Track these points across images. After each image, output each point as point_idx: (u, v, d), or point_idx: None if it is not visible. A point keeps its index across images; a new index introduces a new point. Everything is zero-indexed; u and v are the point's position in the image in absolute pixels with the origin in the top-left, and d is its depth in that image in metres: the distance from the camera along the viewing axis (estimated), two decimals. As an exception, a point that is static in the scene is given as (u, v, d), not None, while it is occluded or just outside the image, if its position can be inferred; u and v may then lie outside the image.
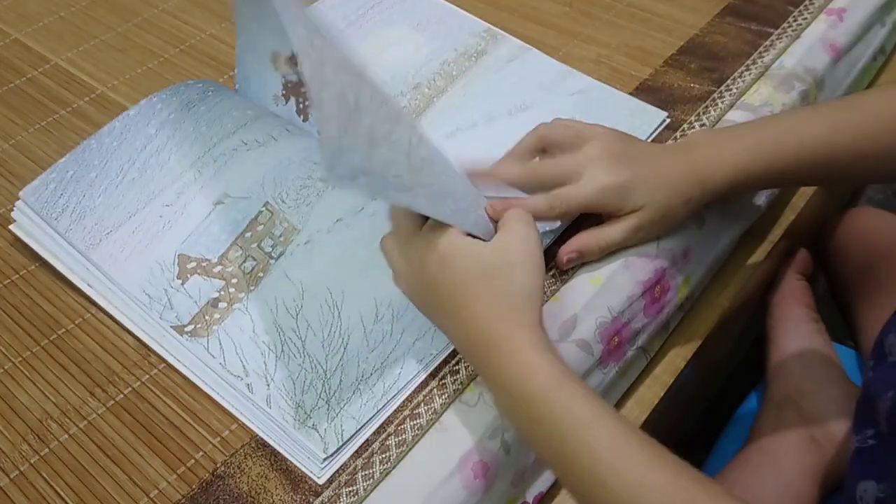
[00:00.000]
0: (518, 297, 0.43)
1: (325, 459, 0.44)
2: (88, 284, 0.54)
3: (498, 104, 0.62)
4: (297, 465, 0.45)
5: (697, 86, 0.67)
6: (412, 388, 0.47)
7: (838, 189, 0.81)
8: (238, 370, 0.48)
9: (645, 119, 0.63)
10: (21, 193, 0.58)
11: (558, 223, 0.54)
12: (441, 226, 0.44)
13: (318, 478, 0.44)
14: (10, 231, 0.59)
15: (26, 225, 0.58)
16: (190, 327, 0.51)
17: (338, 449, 0.45)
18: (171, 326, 0.51)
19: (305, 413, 0.46)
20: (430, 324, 0.48)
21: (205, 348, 0.49)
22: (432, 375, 0.48)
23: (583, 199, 0.50)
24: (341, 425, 0.45)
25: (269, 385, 0.47)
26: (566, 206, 0.50)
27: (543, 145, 0.53)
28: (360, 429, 0.45)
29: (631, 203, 0.50)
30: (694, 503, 0.36)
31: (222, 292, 0.52)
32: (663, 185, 0.51)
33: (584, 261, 0.53)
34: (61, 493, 0.45)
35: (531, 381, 0.40)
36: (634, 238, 0.52)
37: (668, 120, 0.63)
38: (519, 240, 0.44)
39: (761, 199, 0.63)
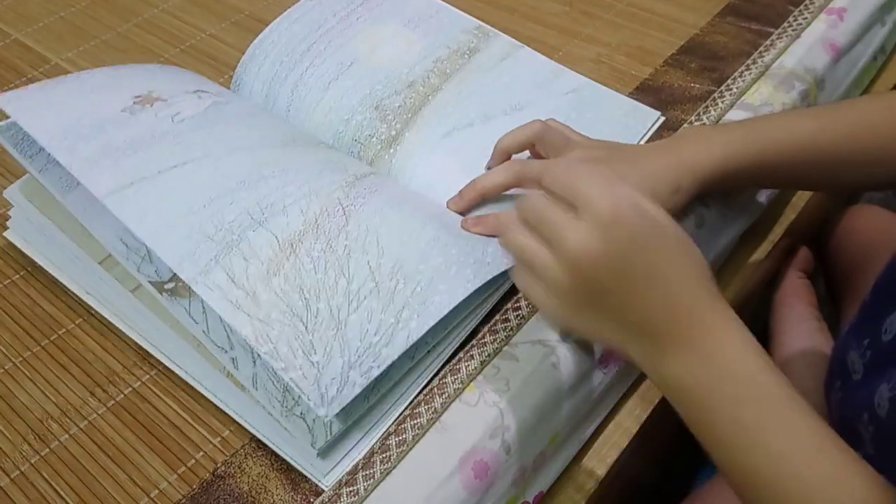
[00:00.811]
0: (705, 270, 0.41)
1: (318, 455, 0.44)
2: (87, 292, 0.54)
3: (494, 103, 0.62)
4: (298, 467, 0.45)
5: (698, 85, 0.67)
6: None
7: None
8: (222, 341, 0.46)
9: (638, 118, 0.63)
10: None
11: None
12: (607, 184, 0.40)
13: (321, 482, 0.44)
14: (7, 238, 0.59)
15: (21, 230, 0.58)
16: (170, 285, 0.47)
17: (327, 443, 0.44)
18: (150, 282, 0.48)
19: (293, 399, 0.44)
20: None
21: (186, 311, 0.47)
22: (432, 376, 0.48)
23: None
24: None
25: (255, 362, 0.45)
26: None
27: (535, 143, 0.54)
28: (350, 426, 0.45)
29: None
30: None
31: None
32: (649, 178, 0.50)
33: None
34: (62, 493, 0.45)
35: (746, 355, 0.39)
36: None
37: (661, 119, 0.63)
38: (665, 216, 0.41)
39: (761, 197, 0.63)
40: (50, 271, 0.55)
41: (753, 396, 0.39)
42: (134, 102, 0.55)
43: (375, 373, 0.43)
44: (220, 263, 0.46)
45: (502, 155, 0.55)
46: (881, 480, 0.37)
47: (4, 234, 0.58)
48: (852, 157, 0.53)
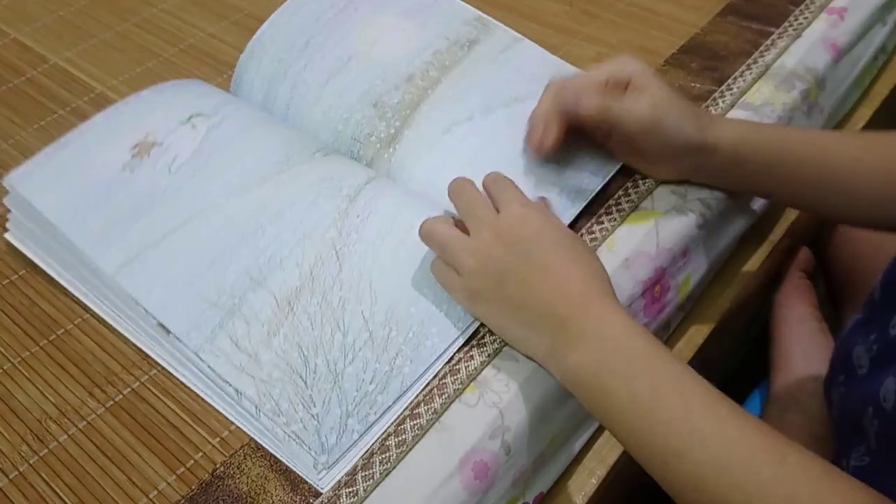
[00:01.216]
0: (601, 269, 0.46)
1: (321, 470, 0.44)
2: (84, 291, 0.54)
3: (494, 96, 0.61)
4: (297, 471, 0.45)
5: (698, 85, 0.67)
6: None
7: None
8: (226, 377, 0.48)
9: None
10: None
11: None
12: (527, 203, 0.47)
13: (319, 485, 0.44)
14: (7, 239, 0.58)
15: (19, 230, 0.57)
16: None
17: (326, 466, 0.44)
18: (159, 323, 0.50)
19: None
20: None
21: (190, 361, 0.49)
22: (432, 375, 0.48)
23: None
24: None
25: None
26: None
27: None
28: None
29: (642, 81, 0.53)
30: (784, 458, 0.37)
31: None
32: (675, 95, 0.54)
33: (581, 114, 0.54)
34: (60, 493, 0.45)
35: (633, 334, 0.42)
36: (646, 117, 0.53)
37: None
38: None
39: (760, 198, 0.63)
40: (49, 272, 0.55)
41: (645, 369, 0.40)
42: (132, 156, 0.58)
43: (372, 419, 0.45)
44: (224, 329, 0.49)
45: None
46: (769, 429, 0.38)
47: (4, 235, 0.58)
48: (860, 178, 0.53)
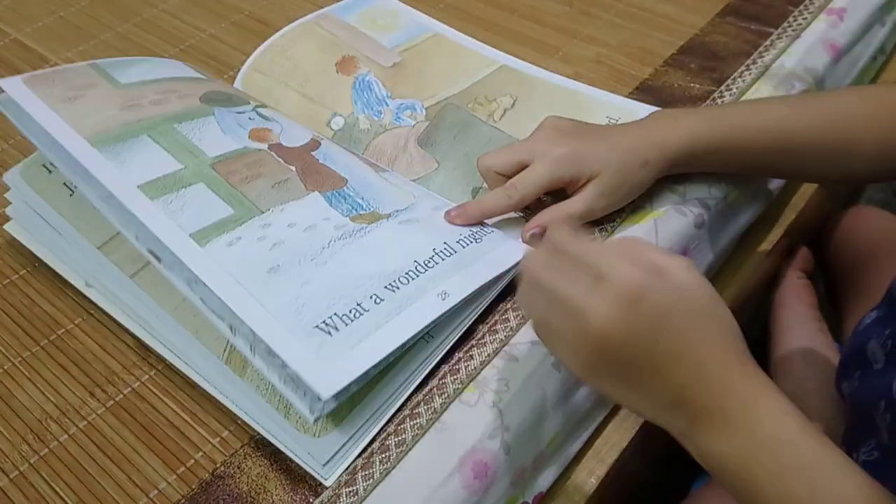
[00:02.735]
0: (734, 334, 0.39)
1: (317, 416, 0.43)
2: (87, 284, 0.54)
3: None
4: (301, 463, 0.45)
5: (698, 85, 0.67)
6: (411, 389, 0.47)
7: (834, 188, 0.81)
8: (220, 309, 0.46)
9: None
10: None
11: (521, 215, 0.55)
12: (636, 259, 0.39)
13: (325, 479, 0.44)
14: (8, 231, 0.58)
15: (19, 216, 0.57)
16: None
17: (324, 414, 0.43)
18: (148, 250, 0.48)
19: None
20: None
21: (185, 281, 0.47)
22: (432, 375, 0.48)
23: (536, 177, 0.51)
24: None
25: (254, 333, 0.44)
26: (522, 191, 0.51)
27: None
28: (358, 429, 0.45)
29: (587, 169, 0.51)
30: None
31: None
32: (616, 150, 0.51)
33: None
34: (61, 493, 0.45)
35: (784, 422, 0.37)
36: (599, 206, 0.52)
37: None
38: (692, 273, 0.39)
39: (760, 198, 0.63)
40: (48, 262, 0.55)
41: (798, 464, 0.36)
42: None
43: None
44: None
45: (494, 179, 0.53)
46: None
47: (5, 226, 0.58)
48: (820, 145, 0.53)
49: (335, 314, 0.45)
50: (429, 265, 0.49)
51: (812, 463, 0.36)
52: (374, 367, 0.44)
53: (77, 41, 0.78)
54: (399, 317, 0.46)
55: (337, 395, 0.42)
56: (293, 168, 0.54)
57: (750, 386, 0.38)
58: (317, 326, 0.44)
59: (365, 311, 0.45)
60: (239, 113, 0.57)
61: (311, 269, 0.47)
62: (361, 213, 0.52)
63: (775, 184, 0.64)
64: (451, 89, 0.66)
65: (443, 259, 0.49)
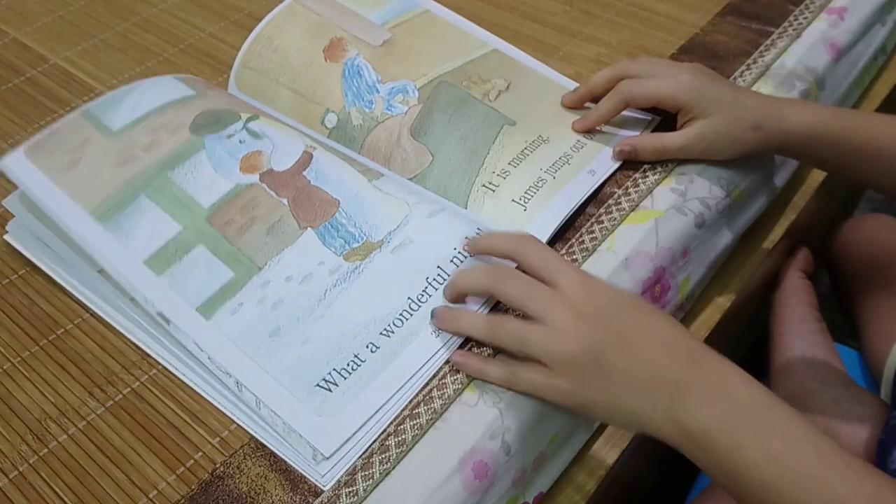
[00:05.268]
0: (674, 322, 0.43)
1: (324, 460, 0.44)
2: (83, 291, 0.54)
3: None
4: (298, 468, 0.45)
5: (698, 85, 0.67)
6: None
7: (841, 190, 0.80)
8: (227, 365, 0.48)
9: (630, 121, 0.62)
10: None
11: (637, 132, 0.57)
12: (573, 267, 0.44)
13: (321, 483, 0.44)
14: (8, 241, 0.58)
15: (19, 231, 0.57)
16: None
17: (325, 458, 0.44)
18: (157, 313, 0.50)
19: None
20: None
21: (192, 339, 0.49)
22: (432, 375, 0.48)
23: (653, 86, 0.53)
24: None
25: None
26: (633, 90, 0.53)
27: (624, 72, 0.57)
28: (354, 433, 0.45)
29: (701, 105, 0.52)
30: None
31: None
32: (738, 104, 0.52)
33: (638, 158, 0.55)
34: (60, 493, 0.45)
35: (754, 385, 0.39)
36: (696, 147, 0.53)
37: (656, 121, 0.62)
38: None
39: (761, 198, 0.63)
40: (49, 273, 0.55)
41: (777, 420, 0.38)
42: None
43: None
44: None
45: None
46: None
47: (4, 237, 0.58)
48: None
49: (334, 370, 0.47)
50: (422, 300, 0.50)
51: (789, 418, 0.38)
52: (372, 416, 0.46)
53: (76, 40, 0.78)
54: (394, 363, 0.48)
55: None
56: (285, 202, 0.54)
57: (713, 357, 0.41)
58: (317, 385, 0.47)
59: (362, 361, 0.48)
60: (229, 137, 0.57)
61: (309, 326, 0.49)
62: (354, 246, 0.52)
63: (777, 184, 0.64)
64: (444, 66, 0.65)
65: (435, 289, 0.50)
